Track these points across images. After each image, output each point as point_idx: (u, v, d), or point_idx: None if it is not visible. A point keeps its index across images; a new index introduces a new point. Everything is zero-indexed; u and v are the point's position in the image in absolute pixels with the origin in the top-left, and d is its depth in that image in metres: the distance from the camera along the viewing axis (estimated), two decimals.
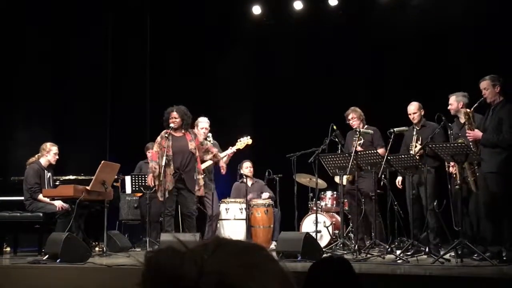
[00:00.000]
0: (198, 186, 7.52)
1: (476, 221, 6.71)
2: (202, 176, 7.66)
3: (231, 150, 8.31)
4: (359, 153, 7.11)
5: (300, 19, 10.74)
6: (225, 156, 8.29)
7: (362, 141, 7.73)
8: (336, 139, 7.57)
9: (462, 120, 6.75)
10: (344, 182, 7.73)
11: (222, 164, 8.13)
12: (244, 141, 8.36)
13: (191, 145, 7.55)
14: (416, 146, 7.22)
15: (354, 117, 7.88)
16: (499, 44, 9.01)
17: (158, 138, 7.66)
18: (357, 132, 7.36)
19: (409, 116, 7.41)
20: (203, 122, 8.34)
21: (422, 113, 7.42)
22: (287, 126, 10.31)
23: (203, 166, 8.09)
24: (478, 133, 6.34)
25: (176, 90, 10.67)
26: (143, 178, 8.26)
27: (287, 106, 10.50)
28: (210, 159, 7.82)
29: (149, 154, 8.38)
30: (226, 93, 11.03)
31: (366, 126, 7.94)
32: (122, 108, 11.16)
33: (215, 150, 7.84)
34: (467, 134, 6.41)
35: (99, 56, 11.17)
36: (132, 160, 9.14)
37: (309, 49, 10.63)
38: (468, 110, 6.49)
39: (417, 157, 6.83)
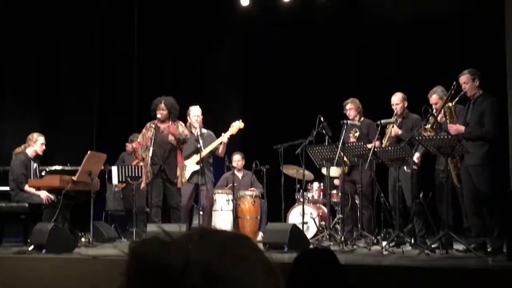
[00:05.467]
0: (177, 179, 7.53)
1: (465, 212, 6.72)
2: (182, 168, 7.67)
3: (224, 137, 8.26)
4: (346, 145, 7.14)
5: (288, 10, 10.71)
6: (220, 144, 8.26)
7: (358, 133, 7.76)
8: (323, 131, 7.58)
9: (440, 114, 6.76)
10: (332, 174, 7.77)
11: (220, 150, 8.28)
12: (236, 126, 8.30)
13: (170, 137, 7.55)
14: (387, 140, 7.27)
15: (352, 107, 7.91)
16: (480, 38, 9.08)
17: (144, 129, 7.68)
18: (344, 124, 7.38)
19: (392, 106, 7.44)
20: (194, 110, 8.29)
21: (406, 104, 7.44)
22: (274, 117, 10.31)
23: (196, 158, 8.09)
24: (460, 127, 6.37)
25: (164, 82, 10.64)
26: (130, 169, 8.22)
27: (274, 97, 10.49)
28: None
29: (128, 147, 8.63)
30: (213, 85, 11.01)
31: (362, 118, 7.96)
32: (109, 98, 11.10)
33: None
34: (449, 128, 6.43)
35: (87, 47, 11.09)
36: (119, 151, 9.12)
37: (297, 40, 10.61)
38: (451, 104, 6.49)
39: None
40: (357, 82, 10.00)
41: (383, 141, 7.30)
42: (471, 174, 6.34)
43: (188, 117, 8.29)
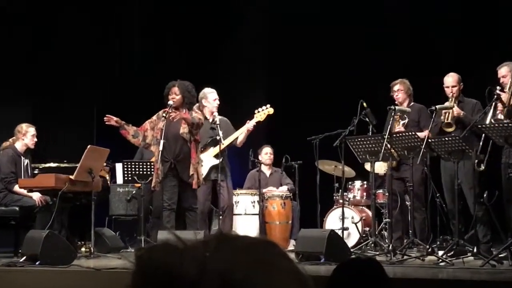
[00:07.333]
0: (192, 178, 7.52)
1: None
2: (198, 165, 7.64)
3: (250, 124, 8.17)
4: (394, 135, 7.09)
5: None
6: (242, 133, 8.19)
7: (406, 120, 7.69)
8: (367, 119, 7.53)
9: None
10: (378, 170, 7.73)
11: (240, 140, 8.23)
12: (264, 112, 8.24)
13: (183, 129, 7.54)
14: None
15: (400, 89, 7.84)
16: None
17: (154, 116, 7.69)
18: (392, 109, 7.33)
19: (446, 89, 7.36)
20: (213, 93, 8.21)
21: (461, 87, 7.37)
22: (307, 104, 10.29)
23: (214, 151, 8.06)
24: None
25: (177, 65, 10.65)
26: (137, 166, 8.25)
27: (307, 80, 10.47)
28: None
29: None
30: (234, 68, 11.00)
31: (412, 103, 7.90)
32: (113, 84, 11.15)
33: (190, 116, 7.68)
34: None
35: (90, 23, 11.15)
36: (124, 145, 9.15)
37: (332, 15, 10.55)
38: None
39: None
40: (403, 62, 9.91)
41: (443, 121, 7.16)
42: None
43: (203, 102, 8.21)
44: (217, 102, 8.14)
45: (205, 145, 8.12)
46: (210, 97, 8.17)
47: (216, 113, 8.06)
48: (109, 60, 11.28)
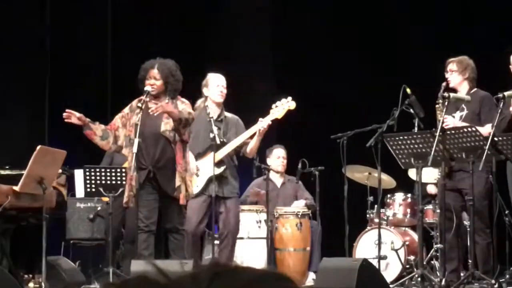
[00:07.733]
0: (178, 191, 7.52)
1: None
2: (186, 173, 7.61)
3: (264, 122, 8.10)
4: (448, 132, 7.09)
5: None
6: (255, 134, 8.13)
7: (464, 112, 7.68)
8: (411, 110, 7.55)
9: None
10: (426, 179, 7.73)
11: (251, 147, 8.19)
12: (284, 107, 8.18)
13: (165, 126, 7.53)
14: None
15: (453, 69, 7.80)
16: None
17: (127, 109, 7.69)
18: (444, 97, 7.31)
19: None
20: (217, 78, 8.23)
21: None
22: (330, 94, 10.30)
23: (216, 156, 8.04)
24: None
25: (154, 43, 10.70)
26: (103, 174, 8.26)
27: (328, 62, 10.49)
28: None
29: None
30: (237, 49, 11.06)
31: (475, 89, 7.87)
32: (70, 67, 11.17)
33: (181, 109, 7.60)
34: None
35: None
36: (86, 145, 9.18)
37: None
38: None
39: None
40: (454, 34, 9.95)
41: None
42: None
43: (204, 91, 8.24)
44: (221, 89, 8.12)
45: (206, 148, 8.09)
46: (211, 83, 8.17)
47: (212, 105, 8.06)
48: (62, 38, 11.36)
